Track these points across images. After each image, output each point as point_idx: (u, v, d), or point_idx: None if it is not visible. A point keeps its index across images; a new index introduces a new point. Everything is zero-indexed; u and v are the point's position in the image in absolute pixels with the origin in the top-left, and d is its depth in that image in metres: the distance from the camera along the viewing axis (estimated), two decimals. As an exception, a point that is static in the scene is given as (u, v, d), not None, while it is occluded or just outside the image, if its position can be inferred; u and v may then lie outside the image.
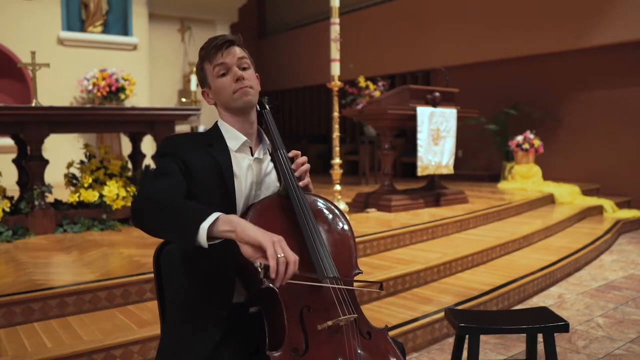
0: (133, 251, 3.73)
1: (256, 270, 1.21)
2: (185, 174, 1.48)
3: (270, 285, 1.27)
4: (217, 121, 1.64)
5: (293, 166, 1.61)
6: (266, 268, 1.21)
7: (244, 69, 1.57)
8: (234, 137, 1.58)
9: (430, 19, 9.48)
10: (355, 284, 1.55)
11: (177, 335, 1.52)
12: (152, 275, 1.78)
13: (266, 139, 1.66)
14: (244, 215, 1.50)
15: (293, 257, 1.23)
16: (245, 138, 1.58)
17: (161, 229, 1.35)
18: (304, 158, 1.65)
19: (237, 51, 1.57)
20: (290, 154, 1.64)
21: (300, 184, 1.58)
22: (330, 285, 1.44)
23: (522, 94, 8.53)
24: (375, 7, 10.54)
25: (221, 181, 1.52)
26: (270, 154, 1.66)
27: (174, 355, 1.50)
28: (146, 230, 1.37)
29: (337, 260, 1.50)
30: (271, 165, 1.66)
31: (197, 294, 1.51)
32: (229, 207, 1.51)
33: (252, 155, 1.61)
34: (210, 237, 1.25)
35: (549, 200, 6.94)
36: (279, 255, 1.21)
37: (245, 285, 1.49)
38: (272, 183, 1.64)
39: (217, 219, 1.26)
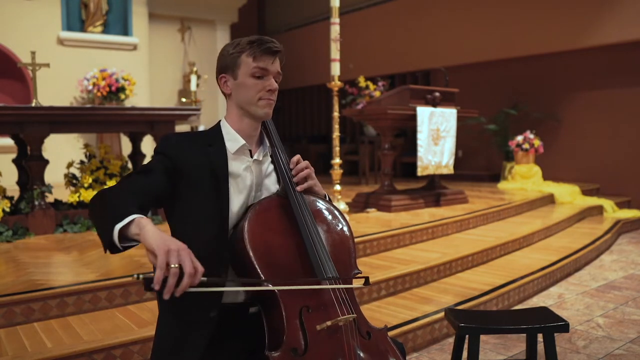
0: (133, 251, 3.73)
1: (141, 282, 1.14)
2: (173, 175, 1.48)
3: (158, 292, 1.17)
4: (220, 120, 1.64)
5: (293, 172, 1.60)
6: (148, 279, 1.13)
7: (275, 81, 1.57)
8: (233, 140, 1.58)
9: (430, 19, 9.48)
10: (347, 282, 1.54)
11: (169, 337, 1.52)
12: (151, 275, 1.78)
13: (266, 140, 1.66)
14: (243, 216, 1.51)
15: (190, 269, 1.15)
16: (244, 142, 1.57)
17: (95, 224, 1.36)
18: (304, 163, 1.63)
19: (279, 65, 1.57)
20: (294, 158, 1.63)
21: (299, 188, 1.58)
22: (330, 287, 1.44)
23: (522, 94, 8.53)
24: (375, 7, 10.54)
25: (215, 182, 1.51)
26: (270, 156, 1.66)
27: (166, 356, 1.50)
28: (91, 222, 1.40)
29: (336, 261, 1.50)
30: (271, 166, 1.66)
31: (187, 295, 1.51)
32: (221, 208, 1.50)
33: (252, 157, 1.61)
34: (125, 237, 1.25)
35: (549, 200, 6.94)
36: (172, 266, 1.14)
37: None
38: (272, 184, 1.64)
39: (131, 221, 1.24)
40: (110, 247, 1.27)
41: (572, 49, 7.81)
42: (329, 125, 10.64)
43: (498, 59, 8.67)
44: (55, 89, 7.85)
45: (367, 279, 1.52)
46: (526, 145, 7.64)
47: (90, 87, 8.22)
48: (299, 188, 1.58)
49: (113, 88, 8.17)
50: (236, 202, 1.54)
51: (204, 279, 1.19)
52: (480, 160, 9.33)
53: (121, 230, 1.24)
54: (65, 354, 2.33)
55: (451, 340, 3.13)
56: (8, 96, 7.87)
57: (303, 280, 1.44)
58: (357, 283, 1.55)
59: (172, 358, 1.48)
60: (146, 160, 5.14)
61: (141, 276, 1.14)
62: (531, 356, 2.28)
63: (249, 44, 1.52)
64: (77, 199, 4.54)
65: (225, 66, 1.56)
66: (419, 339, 3.09)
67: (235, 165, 1.57)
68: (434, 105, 5.62)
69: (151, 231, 1.21)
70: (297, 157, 1.64)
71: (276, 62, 1.55)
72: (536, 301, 3.98)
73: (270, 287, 1.38)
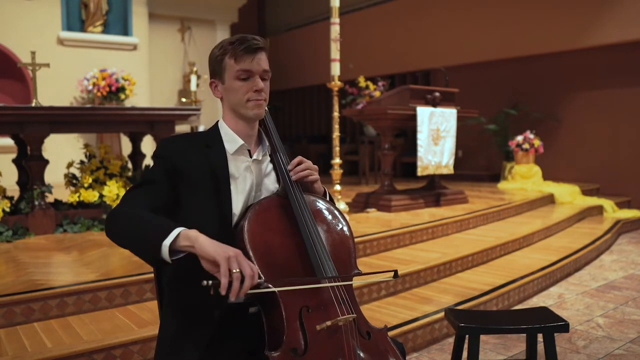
0: (133, 251, 3.72)
1: (207, 288, 1.22)
2: (174, 178, 1.49)
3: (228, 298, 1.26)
4: (217, 121, 1.64)
5: (289, 167, 1.60)
6: (215, 285, 1.22)
7: (263, 79, 1.55)
8: (231, 140, 1.58)
9: (430, 19, 9.48)
10: (366, 276, 1.56)
11: (171, 336, 1.53)
12: (152, 275, 1.79)
13: (266, 140, 1.65)
14: (243, 216, 1.51)
15: (249, 271, 1.24)
16: (243, 142, 1.57)
17: (129, 246, 1.39)
18: (305, 165, 1.60)
19: (264, 60, 1.55)
20: (295, 160, 1.62)
21: (295, 177, 1.57)
22: (329, 284, 1.44)
23: (522, 94, 8.53)
24: (375, 7, 10.54)
25: (215, 183, 1.51)
26: (269, 155, 1.66)
27: (168, 356, 1.50)
28: (117, 244, 1.42)
29: (336, 261, 1.50)
30: (271, 166, 1.66)
31: (191, 295, 1.51)
32: (222, 209, 1.51)
33: (251, 157, 1.61)
34: (173, 251, 1.29)
35: (549, 200, 6.94)
36: (233, 271, 1.22)
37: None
38: (271, 184, 1.64)
39: (178, 235, 1.29)
40: (159, 263, 1.32)
41: (572, 49, 7.81)
42: (329, 125, 10.64)
43: (498, 59, 8.67)
44: (55, 89, 7.85)
45: (395, 272, 1.53)
46: (526, 145, 7.64)
47: (90, 87, 8.22)
48: (295, 177, 1.57)
49: (113, 88, 8.17)
50: (237, 203, 1.54)
51: (261, 280, 1.29)
52: (480, 160, 9.33)
53: (170, 245, 1.28)
54: (65, 354, 2.33)
55: (451, 340, 3.13)
56: (8, 96, 7.87)
57: (312, 279, 1.43)
58: (385, 276, 1.54)
59: (174, 357, 1.49)
60: (146, 161, 5.14)
61: (210, 282, 1.22)
62: (531, 356, 2.28)
63: (230, 45, 1.52)
64: (77, 199, 4.54)
65: (214, 71, 1.57)
66: (419, 339, 3.09)
67: (235, 166, 1.57)
68: (434, 105, 5.62)
69: (205, 240, 1.27)
70: (299, 158, 1.62)
71: (259, 59, 1.53)
72: (536, 301, 3.98)
73: (312, 286, 1.40)
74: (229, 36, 10.82)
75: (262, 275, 1.36)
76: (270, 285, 1.33)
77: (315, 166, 1.64)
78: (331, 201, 1.71)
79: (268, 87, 1.58)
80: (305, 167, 1.60)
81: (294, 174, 1.58)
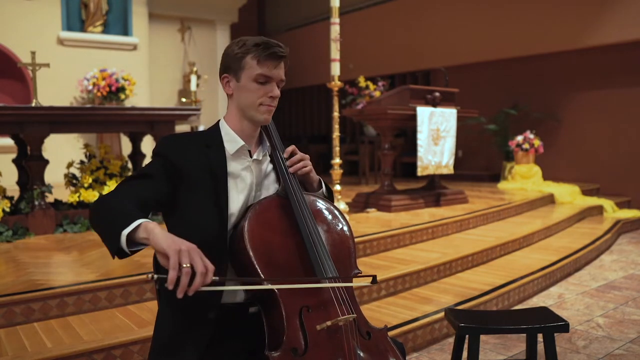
0: (133, 251, 3.73)
1: (153, 282, 1.16)
2: (172, 176, 1.48)
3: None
4: (219, 120, 1.63)
5: (288, 163, 1.60)
6: (162, 280, 1.16)
7: (278, 87, 1.56)
8: (232, 141, 1.57)
9: (430, 19, 9.48)
10: (348, 280, 1.54)
11: (169, 337, 1.52)
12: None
13: (266, 140, 1.65)
14: (243, 216, 1.51)
15: (202, 268, 1.17)
16: (243, 143, 1.57)
17: (98, 231, 1.36)
18: (299, 155, 1.62)
19: (283, 69, 1.55)
20: (289, 149, 1.63)
21: (292, 169, 1.58)
22: (329, 285, 1.44)
23: (522, 94, 8.53)
24: (375, 7, 10.54)
25: (214, 183, 1.51)
26: (269, 155, 1.66)
27: (166, 357, 1.50)
28: (94, 230, 1.39)
29: (336, 261, 1.50)
30: (271, 166, 1.66)
31: (187, 297, 1.51)
32: (219, 209, 1.50)
33: (251, 157, 1.61)
34: (132, 242, 1.26)
35: (549, 200, 6.94)
36: (183, 265, 1.16)
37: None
38: (271, 184, 1.64)
39: (138, 226, 1.25)
40: (118, 252, 1.28)
41: (572, 49, 7.81)
42: (329, 125, 10.64)
43: (498, 59, 8.67)
44: (55, 89, 7.85)
45: (374, 277, 1.51)
46: (526, 145, 7.64)
47: (90, 87, 8.22)
48: (292, 170, 1.58)
49: (113, 88, 8.17)
50: (236, 202, 1.54)
51: (216, 278, 1.21)
52: (480, 160, 9.33)
53: (129, 235, 1.25)
54: (65, 354, 2.33)
55: (451, 340, 3.13)
56: (8, 96, 7.87)
57: (306, 279, 1.43)
58: (364, 281, 1.54)
59: (172, 358, 1.49)
60: (146, 161, 5.14)
61: (155, 276, 1.16)
62: (531, 356, 2.28)
63: (255, 47, 1.50)
64: (77, 199, 4.54)
65: (229, 66, 1.55)
66: (419, 339, 3.09)
67: (235, 166, 1.57)
68: (434, 105, 5.62)
69: (160, 233, 1.22)
70: (292, 147, 1.64)
71: (280, 67, 1.53)
72: (536, 301, 3.98)
73: (278, 286, 1.37)
74: (229, 36, 10.87)
75: (272, 287, 1.33)
76: (219, 280, 1.26)
77: (307, 155, 1.65)
78: (327, 189, 1.72)
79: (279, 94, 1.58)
80: (300, 158, 1.62)
81: (290, 164, 1.59)
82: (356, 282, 1.55)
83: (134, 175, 1.50)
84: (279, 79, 1.54)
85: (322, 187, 1.72)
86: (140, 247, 1.28)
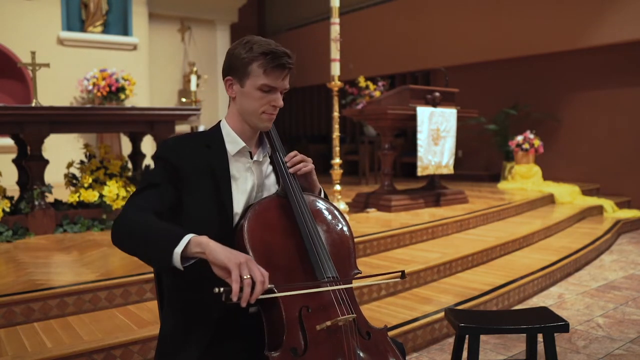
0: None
1: (219, 295, 1.22)
2: (174, 180, 1.49)
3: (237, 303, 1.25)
4: (220, 121, 1.63)
5: (288, 163, 1.60)
6: (227, 292, 1.22)
7: (280, 93, 1.55)
8: (233, 142, 1.58)
9: (431, 19, 9.47)
10: (375, 277, 1.56)
11: (171, 336, 1.53)
12: (152, 275, 1.79)
13: (266, 141, 1.65)
14: (243, 216, 1.51)
15: (260, 277, 1.24)
16: (244, 144, 1.57)
17: (138, 254, 1.39)
18: (300, 157, 1.62)
19: (289, 79, 1.55)
20: (291, 154, 1.63)
21: (292, 169, 1.58)
22: (330, 288, 1.44)
23: (522, 94, 8.53)
24: (375, 7, 10.54)
25: (216, 183, 1.51)
26: (270, 156, 1.66)
27: (168, 356, 1.51)
28: (125, 252, 1.41)
29: (336, 261, 1.50)
30: (271, 167, 1.66)
31: (189, 296, 1.51)
32: (223, 209, 1.51)
33: (252, 158, 1.61)
34: (184, 257, 1.28)
35: (549, 200, 6.94)
36: (244, 277, 1.22)
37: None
38: (272, 185, 1.64)
39: (188, 241, 1.28)
40: (169, 270, 1.31)
41: (572, 49, 7.81)
42: (329, 125, 10.64)
43: (498, 59, 8.67)
44: (55, 89, 7.85)
45: (403, 272, 1.53)
46: (526, 145, 7.64)
47: (90, 87, 8.22)
48: (292, 170, 1.58)
49: (113, 88, 8.17)
50: (238, 203, 1.55)
51: (271, 285, 1.30)
52: (480, 160, 9.33)
53: (182, 252, 1.28)
54: (65, 354, 2.34)
55: (451, 340, 3.13)
56: (8, 96, 7.87)
57: (315, 283, 1.43)
58: (394, 277, 1.54)
59: (174, 357, 1.50)
60: (146, 161, 5.14)
61: (222, 289, 1.22)
62: (531, 356, 2.28)
63: (263, 55, 1.48)
64: (77, 199, 4.53)
65: (234, 69, 1.53)
66: (419, 339, 3.09)
67: (236, 167, 1.57)
68: (434, 105, 5.62)
69: (216, 247, 1.27)
70: (294, 152, 1.64)
71: (286, 78, 1.53)
72: (536, 301, 3.98)
73: (320, 289, 1.40)
74: (229, 36, 10.87)
75: (272, 287, 1.35)
76: (275, 290, 1.33)
77: (310, 159, 1.65)
78: (325, 198, 1.72)
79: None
80: (300, 159, 1.61)
81: (290, 164, 1.59)
82: (385, 279, 1.56)
83: (141, 187, 1.50)
84: (283, 88, 1.54)
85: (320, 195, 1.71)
86: (192, 261, 1.31)
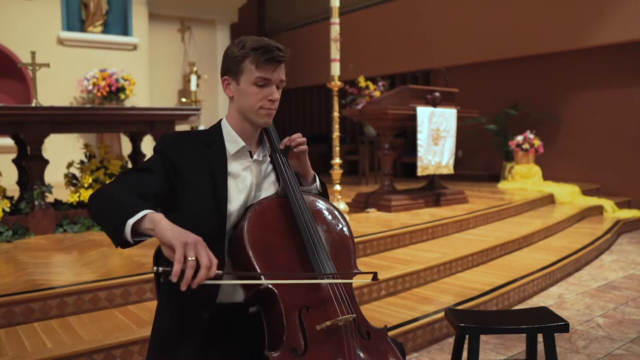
0: (133, 251, 3.73)
1: (158, 275, 1.17)
2: (171, 174, 1.49)
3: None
4: (221, 120, 1.64)
5: (285, 140, 1.62)
6: (166, 273, 1.16)
7: (278, 88, 1.55)
8: (233, 141, 1.58)
9: (431, 19, 9.47)
10: (348, 277, 1.54)
11: (165, 334, 1.53)
12: (152, 275, 1.79)
13: (266, 140, 1.65)
14: (243, 216, 1.51)
15: (206, 261, 1.18)
16: (244, 144, 1.58)
17: (100, 221, 1.36)
18: (303, 138, 1.66)
19: (283, 71, 1.54)
20: (285, 140, 1.65)
21: (296, 150, 1.62)
22: (327, 281, 1.44)
23: (522, 94, 8.53)
24: (375, 7, 10.54)
25: (214, 182, 1.51)
26: (269, 156, 1.66)
27: (162, 354, 1.51)
28: (93, 221, 1.39)
29: (336, 261, 1.50)
30: (271, 167, 1.66)
31: (182, 296, 1.51)
32: (218, 208, 1.50)
33: (252, 157, 1.61)
34: (136, 232, 1.26)
35: (549, 200, 6.94)
36: (189, 259, 1.16)
37: (244, 286, 1.49)
38: (271, 184, 1.64)
39: (143, 216, 1.25)
40: (122, 243, 1.27)
41: (572, 49, 7.81)
42: (329, 125, 10.64)
43: (498, 59, 8.67)
44: (55, 89, 7.85)
45: (375, 274, 1.50)
46: (526, 145, 7.63)
47: (90, 87, 8.22)
48: (296, 150, 1.61)
49: (113, 88, 8.17)
50: (236, 202, 1.54)
51: (219, 272, 1.21)
52: (480, 160, 9.33)
53: (134, 225, 1.25)
54: (65, 354, 2.34)
55: (451, 340, 3.13)
56: (8, 96, 7.87)
57: (304, 275, 1.43)
58: (364, 278, 1.52)
59: (168, 356, 1.49)
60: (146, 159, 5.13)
61: (160, 269, 1.17)
62: (531, 356, 2.28)
63: (253, 50, 1.49)
64: (77, 199, 4.54)
65: (229, 69, 1.55)
66: (419, 339, 3.09)
67: (235, 166, 1.57)
68: (434, 105, 5.62)
69: (167, 225, 1.22)
70: (299, 134, 1.67)
71: (280, 70, 1.53)
72: (536, 301, 3.98)
73: (275, 282, 1.37)
74: (229, 36, 10.87)
75: (272, 287, 1.35)
76: (223, 274, 1.26)
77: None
78: (321, 183, 1.73)
79: (280, 94, 1.58)
80: (300, 135, 1.65)
81: (295, 144, 1.63)
82: (356, 280, 1.55)
83: (133, 168, 1.51)
84: (278, 80, 1.54)
85: (315, 181, 1.72)
86: (144, 237, 1.28)
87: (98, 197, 1.39)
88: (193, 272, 1.16)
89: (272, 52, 1.49)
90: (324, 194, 1.73)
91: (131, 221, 1.24)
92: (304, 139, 1.66)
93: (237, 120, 1.59)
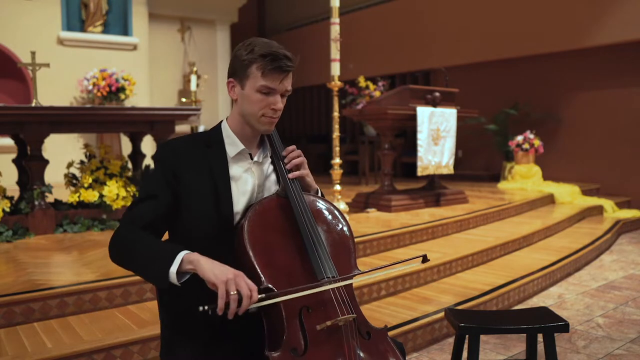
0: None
1: (204, 313, 1.27)
2: (173, 183, 1.50)
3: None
4: (221, 121, 1.63)
5: (286, 160, 1.60)
6: (212, 309, 1.27)
7: (282, 97, 1.54)
8: (233, 143, 1.57)
9: (430, 19, 9.47)
10: (395, 264, 1.55)
11: (169, 336, 1.54)
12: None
13: (267, 142, 1.65)
14: (243, 216, 1.51)
15: (247, 292, 1.28)
16: (243, 147, 1.57)
17: (136, 272, 1.46)
18: (298, 151, 1.62)
19: (289, 80, 1.52)
20: (289, 148, 1.63)
21: (291, 175, 1.57)
22: (330, 287, 1.44)
23: (522, 94, 8.53)
24: (375, 7, 10.54)
25: (216, 184, 1.52)
26: (270, 157, 1.65)
27: (167, 356, 1.52)
28: (124, 268, 1.48)
29: (336, 261, 1.50)
30: (272, 167, 1.65)
31: (186, 297, 1.51)
32: (223, 210, 1.51)
33: (252, 159, 1.60)
34: (179, 273, 1.35)
35: (549, 200, 6.94)
36: (231, 293, 1.27)
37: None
38: (272, 185, 1.64)
39: (182, 260, 1.34)
40: (169, 286, 1.36)
41: (572, 49, 7.81)
42: (329, 125, 10.64)
43: (498, 59, 8.67)
44: (55, 89, 7.85)
45: (424, 256, 1.53)
46: (526, 145, 7.63)
47: (90, 87, 8.22)
48: (290, 175, 1.57)
49: (113, 88, 8.17)
50: (239, 204, 1.55)
51: (262, 295, 1.33)
52: (480, 160, 9.33)
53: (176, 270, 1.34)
54: (65, 354, 2.34)
55: (451, 340, 3.14)
56: (8, 96, 7.87)
57: (313, 285, 1.42)
58: (415, 262, 1.51)
59: (172, 357, 1.51)
60: (146, 161, 5.14)
61: (207, 307, 1.27)
62: (531, 356, 2.28)
63: (261, 57, 1.46)
64: (77, 199, 4.53)
65: (235, 72, 1.53)
66: (419, 339, 3.09)
67: (236, 169, 1.57)
68: (434, 105, 5.61)
69: (206, 264, 1.33)
70: (292, 147, 1.63)
71: (286, 80, 1.50)
72: (536, 301, 3.98)
73: (313, 291, 1.39)
74: (229, 36, 10.87)
75: (271, 287, 1.38)
76: (265, 296, 1.34)
77: (304, 159, 1.64)
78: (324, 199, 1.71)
79: (284, 103, 1.55)
80: (299, 154, 1.61)
81: (288, 160, 1.59)
82: (407, 264, 1.53)
83: (140, 198, 1.53)
84: (283, 90, 1.52)
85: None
86: (187, 276, 1.36)
87: (123, 248, 1.46)
88: (237, 304, 1.28)
89: (280, 61, 1.46)
90: None
91: (173, 269, 1.34)
92: (298, 155, 1.61)
93: (238, 123, 1.58)
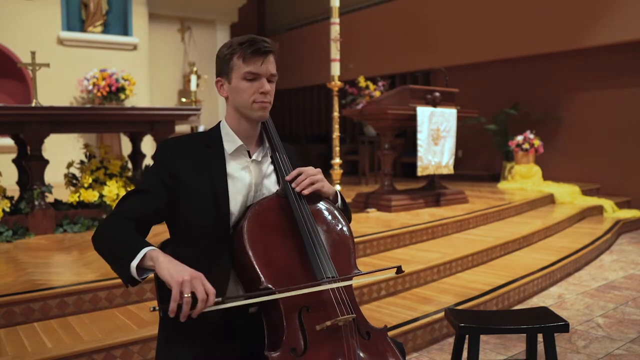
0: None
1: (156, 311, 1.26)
2: (170, 183, 1.51)
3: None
4: (220, 121, 1.64)
5: (293, 184, 1.55)
6: (164, 309, 1.24)
7: (270, 82, 1.55)
8: (231, 141, 1.58)
9: (431, 19, 9.47)
10: (366, 275, 1.54)
11: (168, 336, 1.54)
12: (152, 275, 1.78)
13: (266, 141, 1.65)
14: (242, 216, 1.51)
15: (203, 295, 1.24)
16: (241, 143, 1.58)
17: (108, 263, 1.43)
18: (304, 174, 1.56)
19: (272, 63, 1.54)
20: (293, 173, 1.57)
21: (306, 191, 1.54)
22: (329, 287, 1.44)
23: (522, 94, 8.53)
24: (375, 7, 10.54)
25: (213, 183, 1.52)
26: (270, 157, 1.66)
27: (166, 356, 1.52)
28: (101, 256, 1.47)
29: (336, 261, 1.50)
30: (271, 167, 1.65)
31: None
32: (220, 208, 1.51)
33: (250, 157, 1.60)
34: (141, 269, 1.34)
35: (549, 200, 6.94)
36: (185, 295, 1.23)
37: (244, 287, 1.49)
38: (272, 185, 1.64)
39: (144, 255, 1.33)
40: (131, 282, 1.36)
41: (572, 49, 7.81)
42: (329, 125, 10.63)
43: (498, 59, 8.67)
44: (55, 89, 7.85)
45: (399, 267, 1.52)
46: (526, 145, 7.63)
47: (90, 87, 8.22)
48: (305, 192, 1.54)
49: (113, 88, 8.17)
50: (235, 202, 1.55)
51: (218, 299, 1.29)
52: (480, 160, 9.33)
53: (138, 264, 1.33)
54: (65, 354, 2.34)
55: (451, 340, 3.13)
56: (8, 96, 7.87)
57: (305, 284, 1.42)
58: (389, 272, 1.53)
59: (171, 357, 1.51)
60: (146, 161, 5.14)
61: (158, 308, 1.27)
62: (531, 356, 2.28)
63: (239, 45, 1.51)
64: (77, 199, 4.54)
65: (221, 70, 1.57)
66: (419, 339, 3.09)
67: (234, 166, 1.57)
68: (434, 105, 5.61)
69: (164, 263, 1.30)
70: (295, 172, 1.57)
71: (268, 62, 1.52)
72: (536, 301, 3.98)
73: (277, 296, 1.37)
74: (229, 36, 10.87)
75: (270, 286, 1.36)
76: (221, 300, 1.30)
77: (318, 169, 1.61)
78: (343, 201, 1.68)
79: (274, 89, 1.57)
80: (305, 177, 1.56)
81: (295, 185, 1.55)
82: (381, 274, 1.54)
83: (132, 191, 1.54)
84: (268, 74, 1.53)
85: (337, 201, 1.67)
86: (149, 272, 1.36)
87: (99, 239, 1.46)
88: (189, 307, 1.23)
89: (258, 43, 1.50)
90: (346, 213, 1.66)
91: (134, 263, 1.33)
92: (307, 175, 1.56)
93: (234, 119, 1.59)
